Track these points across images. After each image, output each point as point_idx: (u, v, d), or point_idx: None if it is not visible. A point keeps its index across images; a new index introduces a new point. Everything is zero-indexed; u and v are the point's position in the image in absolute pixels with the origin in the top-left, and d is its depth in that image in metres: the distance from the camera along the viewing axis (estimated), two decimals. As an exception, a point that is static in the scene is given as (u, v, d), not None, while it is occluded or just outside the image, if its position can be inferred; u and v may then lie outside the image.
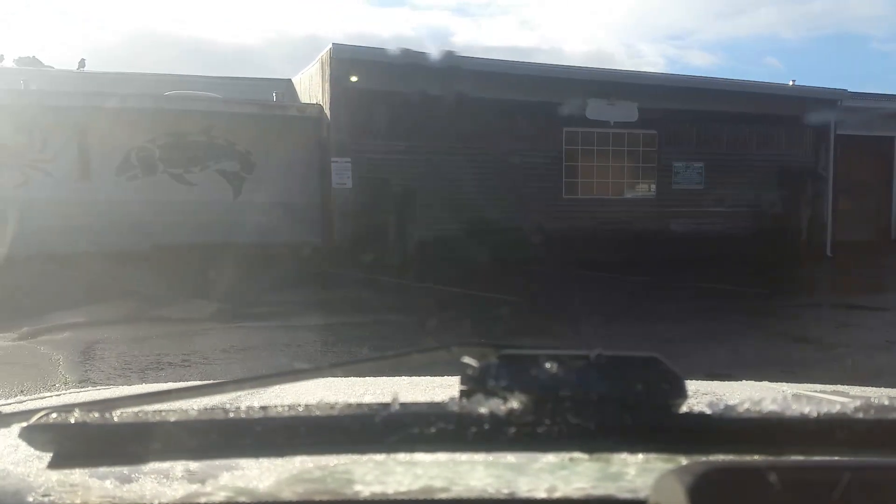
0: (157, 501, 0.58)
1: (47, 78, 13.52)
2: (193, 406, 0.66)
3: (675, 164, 15.00)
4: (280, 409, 0.57)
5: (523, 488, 0.59)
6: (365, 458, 0.64)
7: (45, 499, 0.60)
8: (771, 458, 0.52)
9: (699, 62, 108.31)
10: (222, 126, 12.74)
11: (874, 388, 1.21)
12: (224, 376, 4.61)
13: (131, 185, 12.33)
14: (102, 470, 0.61)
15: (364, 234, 12.05)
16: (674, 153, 14.94)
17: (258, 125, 12.82)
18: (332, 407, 0.57)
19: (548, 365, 0.55)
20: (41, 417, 0.57)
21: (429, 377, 1.23)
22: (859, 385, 1.28)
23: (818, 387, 1.24)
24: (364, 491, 0.59)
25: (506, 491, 0.58)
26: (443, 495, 0.58)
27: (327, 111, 12.66)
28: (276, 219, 12.39)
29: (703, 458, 0.53)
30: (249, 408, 0.58)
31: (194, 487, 0.61)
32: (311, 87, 13.90)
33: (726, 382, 1.31)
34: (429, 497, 0.58)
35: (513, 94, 13.17)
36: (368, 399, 0.89)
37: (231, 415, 0.57)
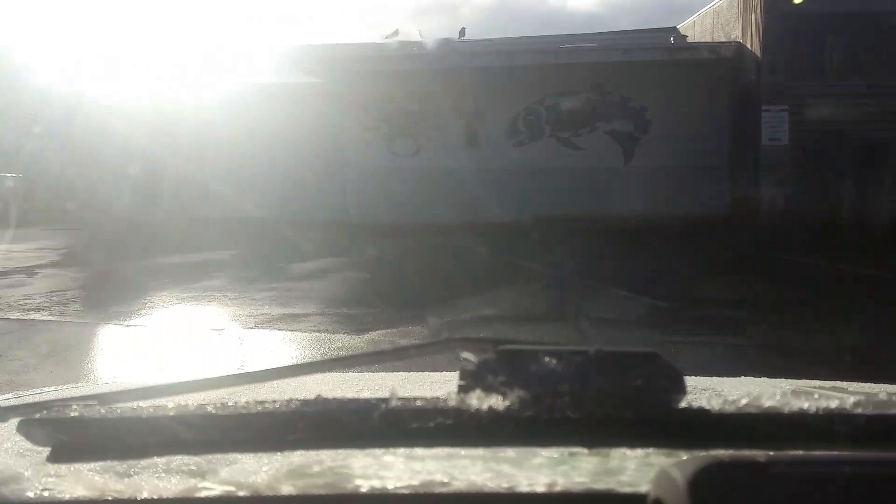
0: (155, 496, 0.57)
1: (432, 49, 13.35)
2: (192, 401, 0.66)
3: None
4: (278, 404, 0.58)
5: (523, 483, 0.57)
6: (363, 452, 0.63)
7: (44, 493, 0.58)
8: (770, 453, 0.51)
9: None
10: (614, 80, 11.23)
11: (872, 384, 1.16)
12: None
13: (517, 151, 11.54)
14: (101, 464, 0.61)
15: (805, 206, 9.24)
16: None
17: (654, 75, 10.94)
18: (330, 402, 0.58)
19: (546, 360, 0.55)
20: (40, 412, 0.58)
21: (427, 373, 1.23)
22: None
23: (817, 382, 1.21)
24: (363, 486, 0.57)
25: (505, 485, 0.57)
26: (442, 490, 0.57)
27: (754, 47, 9.97)
28: (675, 186, 10.66)
29: (703, 453, 0.52)
30: (248, 403, 0.58)
31: (193, 482, 0.60)
32: (717, 26, 11.44)
33: (725, 378, 1.26)
34: (428, 492, 0.56)
35: None
36: (366, 395, 0.88)
37: (229, 410, 0.57)
